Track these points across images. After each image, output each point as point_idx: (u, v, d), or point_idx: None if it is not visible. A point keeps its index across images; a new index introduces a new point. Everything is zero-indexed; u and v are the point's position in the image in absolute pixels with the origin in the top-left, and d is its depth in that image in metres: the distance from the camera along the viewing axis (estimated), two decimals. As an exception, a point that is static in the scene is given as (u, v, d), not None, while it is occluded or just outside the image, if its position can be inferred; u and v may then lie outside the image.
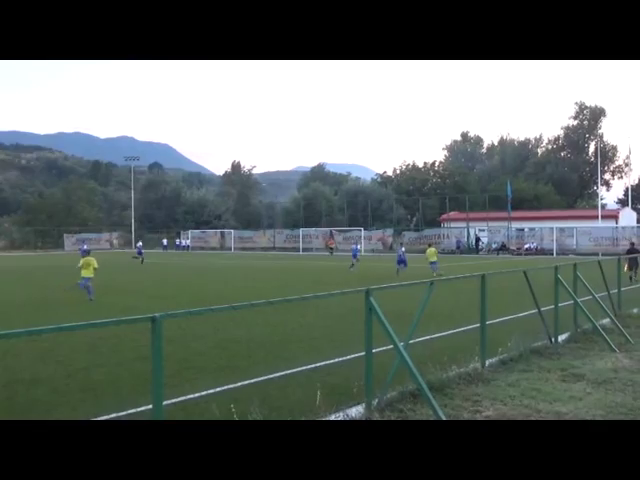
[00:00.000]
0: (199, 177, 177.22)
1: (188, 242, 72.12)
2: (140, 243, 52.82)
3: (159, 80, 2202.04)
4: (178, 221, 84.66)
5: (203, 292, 21.75)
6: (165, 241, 69.69)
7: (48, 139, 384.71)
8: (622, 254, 27.00)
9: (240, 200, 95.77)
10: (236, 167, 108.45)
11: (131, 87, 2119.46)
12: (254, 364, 9.77)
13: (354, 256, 34.90)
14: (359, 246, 39.79)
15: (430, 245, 32.28)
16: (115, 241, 78.53)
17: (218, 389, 8.14)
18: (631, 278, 23.22)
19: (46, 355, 10.50)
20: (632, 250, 25.94)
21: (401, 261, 29.57)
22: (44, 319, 13.28)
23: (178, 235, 74.87)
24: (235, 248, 69.50)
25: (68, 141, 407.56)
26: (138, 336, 11.07)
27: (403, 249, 31.27)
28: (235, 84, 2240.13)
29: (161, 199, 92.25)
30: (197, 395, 7.85)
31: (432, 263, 28.74)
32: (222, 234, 74.63)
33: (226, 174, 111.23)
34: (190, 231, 74.82)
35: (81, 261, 19.74)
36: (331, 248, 58.00)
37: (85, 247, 36.21)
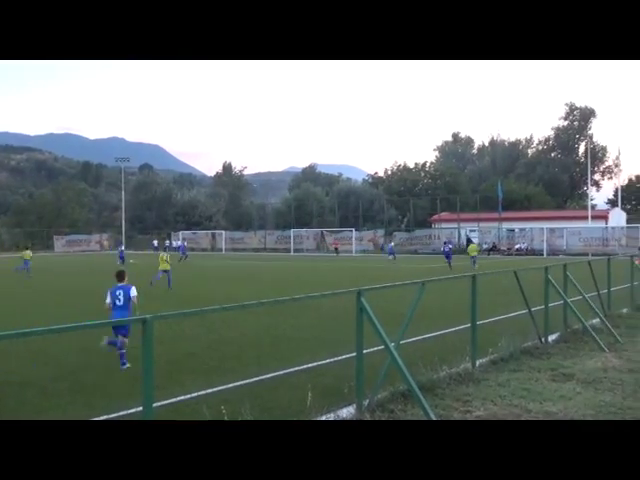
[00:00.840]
0: (190, 178, 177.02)
1: (179, 243, 71.73)
2: (185, 243, 52.75)
3: (149, 81, 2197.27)
4: (169, 222, 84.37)
5: (194, 293, 21.69)
6: (156, 242, 69.24)
7: (38, 140, 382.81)
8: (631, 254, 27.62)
9: (231, 201, 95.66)
10: (227, 168, 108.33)
11: (121, 88, 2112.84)
12: (245, 365, 9.76)
13: (391, 253, 43.44)
14: (393, 244, 49.08)
15: (472, 242, 41.08)
16: (105, 242, 78.00)
17: (209, 390, 8.12)
18: None
19: (36, 357, 10.43)
20: None
21: (447, 256, 33.67)
22: (37, 319, 13.19)
23: (169, 236, 74.45)
24: (226, 249, 69.40)
25: (58, 142, 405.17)
26: (129, 338, 11.00)
27: (451, 245, 37.39)
28: (226, 85, 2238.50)
29: (152, 200, 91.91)
30: (188, 396, 7.82)
31: (472, 257, 32.73)
32: (213, 235, 74.52)
33: (217, 175, 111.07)
34: (181, 232, 74.48)
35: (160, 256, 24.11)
36: (336, 249, 59.54)
37: (122, 247, 36.81)
